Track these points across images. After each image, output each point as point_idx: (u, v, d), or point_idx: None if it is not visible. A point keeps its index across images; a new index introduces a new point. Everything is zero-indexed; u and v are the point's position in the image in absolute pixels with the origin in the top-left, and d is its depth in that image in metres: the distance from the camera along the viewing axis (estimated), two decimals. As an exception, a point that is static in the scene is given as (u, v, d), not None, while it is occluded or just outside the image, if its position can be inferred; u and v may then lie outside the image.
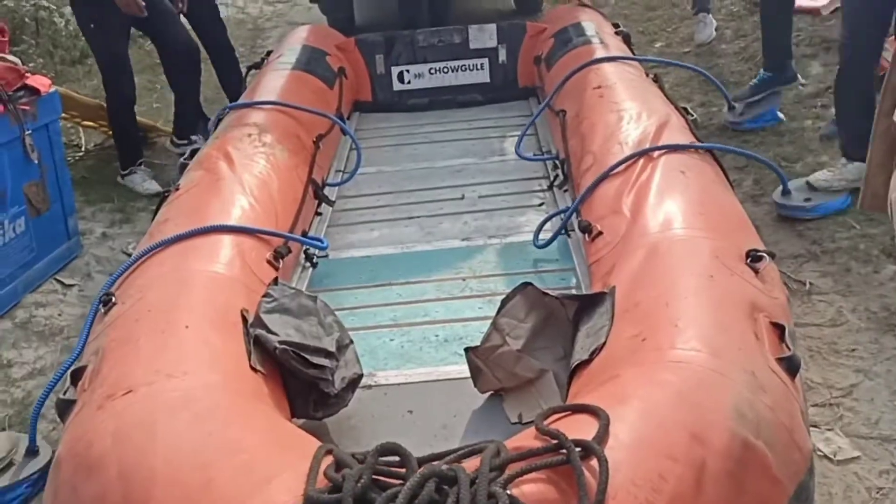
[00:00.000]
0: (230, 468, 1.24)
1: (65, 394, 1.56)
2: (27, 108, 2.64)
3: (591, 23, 3.92)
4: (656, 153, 2.36)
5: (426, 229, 2.94)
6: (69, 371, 1.64)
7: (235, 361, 1.63)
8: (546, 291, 1.91)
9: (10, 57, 2.62)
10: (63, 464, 1.37)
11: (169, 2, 3.81)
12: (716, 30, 4.37)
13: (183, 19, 4.18)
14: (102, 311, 1.82)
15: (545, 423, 1.28)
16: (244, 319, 1.77)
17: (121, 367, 1.53)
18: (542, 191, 3.08)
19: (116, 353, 1.60)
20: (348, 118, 4.13)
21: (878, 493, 1.69)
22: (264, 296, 1.89)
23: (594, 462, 1.16)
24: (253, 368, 1.63)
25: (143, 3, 3.43)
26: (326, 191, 3.17)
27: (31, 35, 5.74)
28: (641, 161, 2.35)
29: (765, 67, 3.58)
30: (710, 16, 4.40)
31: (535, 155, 3.32)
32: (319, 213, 3.04)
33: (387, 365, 2.09)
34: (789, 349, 1.54)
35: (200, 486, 1.21)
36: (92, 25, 3.46)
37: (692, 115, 2.72)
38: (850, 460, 1.78)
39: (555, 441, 1.20)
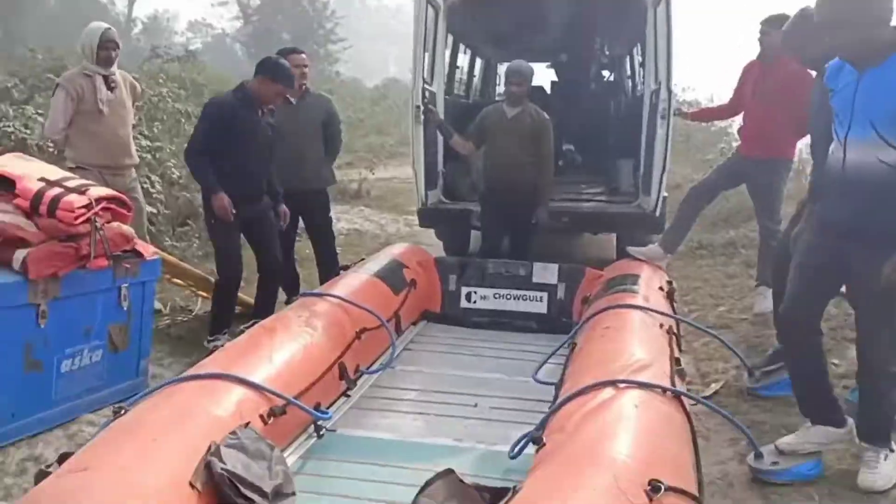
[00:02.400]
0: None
1: (48, 468, 1.98)
2: (129, 266, 3.37)
3: (643, 275, 4.27)
4: (620, 385, 2.58)
5: (430, 425, 3.23)
6: (59, 455, 2.06)
7: (180, 475, 1.97)
8: (463, 481, 2.13)
9: (126, 227, 3.41)
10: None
11: (274, 223, 4.57)
12: (775, 304, 4.54)
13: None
14: (113, 418, 2.27)
15: None
16: (209, 449, 2.13)
17: (92, 452, 1.96)
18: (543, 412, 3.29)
19: (97, 447, 2.03)
20: (415, 324, 4.63)
21: None
22: (231, 433, 2.25)
23: None
24: (191, 485, 1.97)
25: (234, 212, 4.15)
26: (363, 378, 3.58)
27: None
28: (605, 391, 2.58)
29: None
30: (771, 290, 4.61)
31: (551, 381, 3.56)
32: (348, 395, 3.42)
33: None
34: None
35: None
36: (213, 221, 4.32)
37: (679, 367, 2.92)
38: None
39: None
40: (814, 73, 3.62)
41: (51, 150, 6.37)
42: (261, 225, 4.46)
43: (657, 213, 5.41)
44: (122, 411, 2.30)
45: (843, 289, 3.51)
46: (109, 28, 4.59)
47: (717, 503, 2.67)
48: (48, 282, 3.05)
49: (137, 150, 5.96)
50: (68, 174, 3.37)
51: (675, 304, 4.13)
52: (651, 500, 1.97)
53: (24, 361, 3.02)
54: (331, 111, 5.10)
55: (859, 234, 2.75)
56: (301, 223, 5.23)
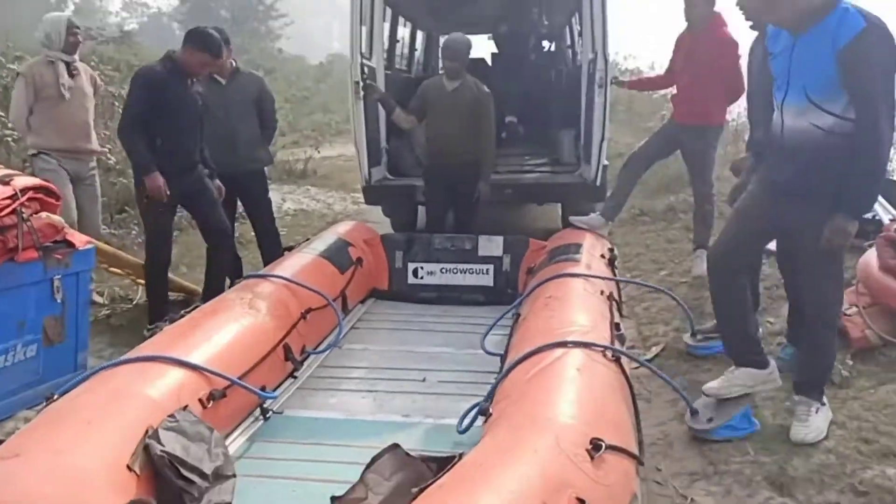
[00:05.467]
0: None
1: None
2: (60, 257, 3.27)
3: (585, 244, 4.33)
4: (562, 350, 2.63)
5: (378, 402, 3.23)
6: (-6, 443, 2.02)
7: (117, 458, 1.95)
8: (409, 454, 2.14)
9: (55, 217, 3.31)
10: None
11: (212, 190, 4.50)
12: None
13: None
14: (45, 405, 2.22)
15: None
16: (146, 433, 2.10)
17: (24, 438, 1.94)
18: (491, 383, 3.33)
19: (29, 432, 2.00)
20: (362, 302, 4.61)
21: None
22: (169, 416, 2.22)
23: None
24: (129, 468, 1.94)
25: (168, 192, 4.07)
26: (310, 359, 3.56)
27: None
28: (547, 357, 2.62)
29: None
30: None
31: (498, 352, 3.60)
32: (294, 377, 3.40)
33: None
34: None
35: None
36: (145, 200, 4.20)
37: (619, 332, 2.99)
38: None
39: None
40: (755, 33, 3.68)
41: (9, 140, 6.18)
42: (200, 195, 4.37)
43: (598, 183, 5.47)
44: (55, 397, 2.26)
45: (774, 246, 3.63)
46: (71, 16, 4.82)
47: (657, 463, 2.74)
48: (-26, 276, 2.95)
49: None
50: (-8, 164, 3.26)
51: (616, 271, 4.20)
52: (592, 458, 2.01)
53: (-47, 359, 2.93)
54: (263, 88, 4.97)
55: (800, 194, 2.82)
56: (240, 206, 5.14)
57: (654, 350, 3.81)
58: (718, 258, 3.07)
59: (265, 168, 5.23)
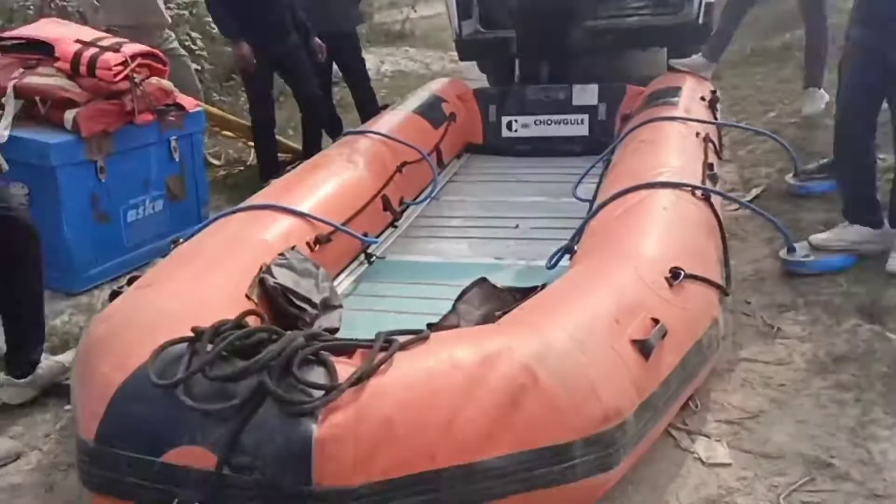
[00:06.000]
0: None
1: (119, 288, 2.25)
2: (174, 119, 3.52)
3: (685, 87, 4.17)
4: (646, 191, 2.65)
5: (473, 247, 3.39)
6: (128, 278, 2.33)
7: (236, 289, 2.20)
8: (496, 286, 2.29)
9: (165, 82, 3.51)
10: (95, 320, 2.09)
11: (307, 56, 4.60)
12: (826, 104, 4.39)
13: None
14: (173, 247, 2.50)
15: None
16: (260, 269, 2.35)
17: (156, 273, 2.23)
18: (583, 226, 3.40)
19: (160, 269, 2.29)
20: (458, 157, 4.71)
21: (724, 490, 1.84)
22: (279, 255, 2.45)
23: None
24: (247, 297, 2.19)
25: (254, 61, 4.21)
26: (409, 210, 3.74)
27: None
28: (634, 196, 2.65)
29: None
30: (821, 91, 4.43)
31: (589, 198, 3.63)
32: (395, 227, 3.60)
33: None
34: (645, 337, 1.83)
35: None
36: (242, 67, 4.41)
37: (712, 172, 2.94)
38: (719, 465, 1.92)
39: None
40: None
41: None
42: (293, 62, 4.49)
43: (700, 21, 5.16)
44: (182, 241, 2.53)
45: None
46: None
47: (747, 296, 2.76)
48: (100, 139, 3.21)
49: (174, 8, 5.97)
50: (101, 34, 3.44)
51: (717, 114, 4.05)
52: (671, 285, 2.09)
53: (94, 214, 3.26)
54: None
55: None
56: (335, 68, 5.22)
57: (755, 192, 3.72)
58: (848, 110, 2.91)
59: (356, 28, 5.23)
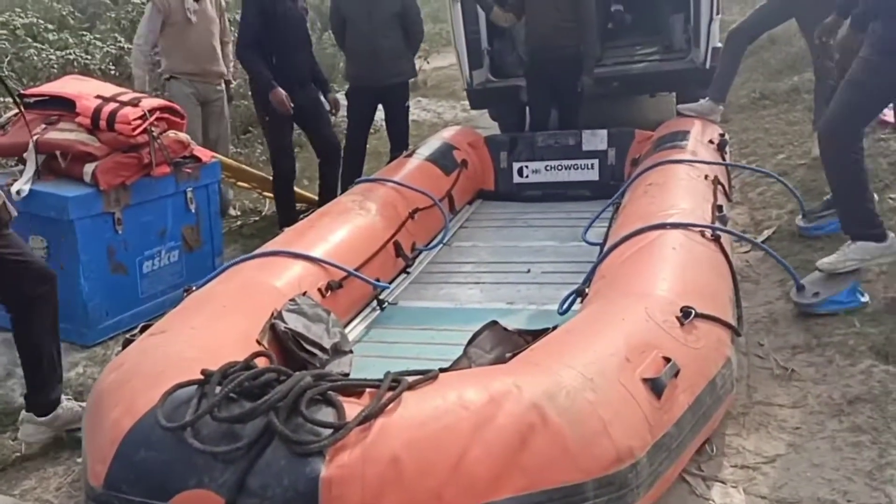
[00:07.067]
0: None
1: (132, 336, 2.28)
2: (190, 171, 3.61)
3: (693, 131, 4.21)
4: (656, 232, 2.66)
5: (485, 292, 3.40)
6: (141, 326, 2.35)
7: (248, 334, 2.22)
8: (507, 328, 2.29)
9: (182, 135, 3.61)
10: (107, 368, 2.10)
11: (324, 106, 4.71)
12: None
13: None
14: (185, 295, 2.54)
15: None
16: (272, 315, 2.37)
17: (169, 320, 2.25)
18: (594, 271, 3.40)
19: (172, 316, 2.31)
20: (470, 203, 4.75)
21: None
22: (290, 300, 2.48)
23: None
24: (258, 342, 2.21)
25: (291, 105, 4.31)
26: (421, 256, 3.77)
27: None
28: (644, 238, 2.66)
29: None
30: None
31: (599, 242, 3.65)
32: (407, 273, 3.62)
33: None
34: (657, 375, 1.82)
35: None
36: (266, 118, 4.50)
37: (721, 213, 2.96)
38: (734, 512, 1.91)
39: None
40: None
41: (112, 73, 6.62)
42: (313, 109, 4.60)
43: (707, 66, 5.22)
44: (194, 288, 2.56)
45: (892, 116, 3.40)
46: None
47: (760, 338, 2.75)
48: (118, 191, 3.29)
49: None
50: (121, 89, 3.55)
51: (726, 157, 4.08)
52: (682, 324, 2.08)
53: (110, 265, 3.32)
54: (406, 1, 4.80)
55: None
56: (378, 115, 5.18)
57: (766, 233, 3.72)
58: (831, 129, 2.93)
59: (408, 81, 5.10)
